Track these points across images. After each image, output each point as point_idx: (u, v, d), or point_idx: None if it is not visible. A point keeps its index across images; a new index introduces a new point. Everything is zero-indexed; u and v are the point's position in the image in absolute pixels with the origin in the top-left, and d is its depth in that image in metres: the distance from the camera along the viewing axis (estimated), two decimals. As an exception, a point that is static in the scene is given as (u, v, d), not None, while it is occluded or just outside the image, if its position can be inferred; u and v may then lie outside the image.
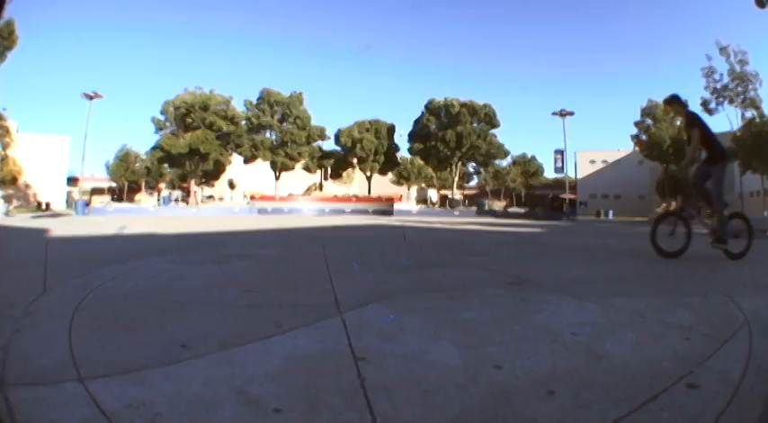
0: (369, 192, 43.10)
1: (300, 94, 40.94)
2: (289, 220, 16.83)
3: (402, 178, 48.52)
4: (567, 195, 42.37)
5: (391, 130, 44.66)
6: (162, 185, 50.01)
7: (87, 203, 28.85)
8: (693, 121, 4.89)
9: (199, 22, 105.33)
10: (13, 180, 31.44)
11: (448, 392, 1.37)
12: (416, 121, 43.38)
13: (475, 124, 41.72)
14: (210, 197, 48.69)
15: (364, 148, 42.15)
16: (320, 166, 45.60)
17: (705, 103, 29.56)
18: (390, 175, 48.52)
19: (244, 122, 39.01)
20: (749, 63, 27.97)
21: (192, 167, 37.70)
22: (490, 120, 41.98)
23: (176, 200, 39.60)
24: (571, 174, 45.66)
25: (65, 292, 2.72)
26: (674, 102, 5.14)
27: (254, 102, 40.26)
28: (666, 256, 4.80)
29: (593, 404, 1.30)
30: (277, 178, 41.37)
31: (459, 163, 43.91)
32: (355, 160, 44.10)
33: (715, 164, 4.81)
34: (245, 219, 19.13)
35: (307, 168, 43.76)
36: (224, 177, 45.70)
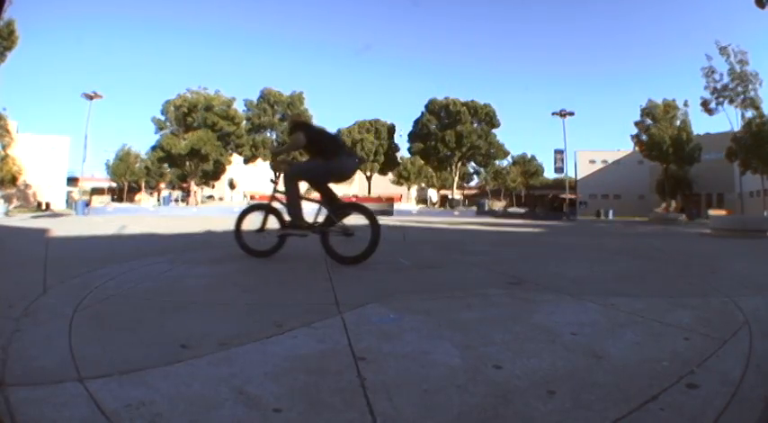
0: (369, 192, 43.13)
1: (301, 93, 40.90)
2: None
3: (402, 178, 48.41)
4: (567, 195, 42.37)
5: (391, 130, 44.68)
6: (162, 185, 49.96)
7: (87, 203, 28.80)
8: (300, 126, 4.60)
9: (199, 22, 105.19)
10: (13, 180, 31.38)
11: (448, 392, 1.37)
12: (416, 121, 43.39)
13: (475, 124, 41.72)
14: (210, 197, 48.64)
15: (364, 149, 42.16)
16: (320, 166, 45.59)
17: (705, 103, 29.55)
18: (390, 175, 48.49)
19: (244, 122, 38.97)
20: (749, 63, 27.94)
21: (192, 167, 37.68)
22: (490, 119, 42.00)
23: (176, 200, 39.58)
24: (571, 174, 45.60)
25: (65, 292, 2.72)
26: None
27: (255, 101, 40.24)
28: (259, 256, 4.37)
29: (593, 404, 1.30)
30: (277, 178, 41.38)
31: (460, 163, 43.89)
32: (355, 160, 44.12)
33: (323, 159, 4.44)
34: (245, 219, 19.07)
35: (307, 168, 43.75)
36: (224, 177, 45.64)
